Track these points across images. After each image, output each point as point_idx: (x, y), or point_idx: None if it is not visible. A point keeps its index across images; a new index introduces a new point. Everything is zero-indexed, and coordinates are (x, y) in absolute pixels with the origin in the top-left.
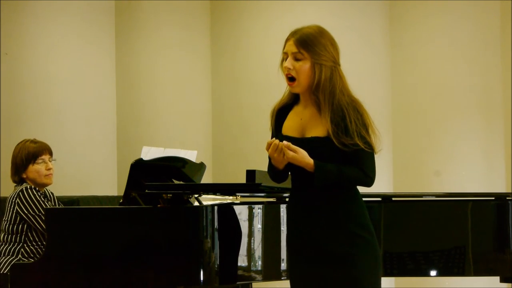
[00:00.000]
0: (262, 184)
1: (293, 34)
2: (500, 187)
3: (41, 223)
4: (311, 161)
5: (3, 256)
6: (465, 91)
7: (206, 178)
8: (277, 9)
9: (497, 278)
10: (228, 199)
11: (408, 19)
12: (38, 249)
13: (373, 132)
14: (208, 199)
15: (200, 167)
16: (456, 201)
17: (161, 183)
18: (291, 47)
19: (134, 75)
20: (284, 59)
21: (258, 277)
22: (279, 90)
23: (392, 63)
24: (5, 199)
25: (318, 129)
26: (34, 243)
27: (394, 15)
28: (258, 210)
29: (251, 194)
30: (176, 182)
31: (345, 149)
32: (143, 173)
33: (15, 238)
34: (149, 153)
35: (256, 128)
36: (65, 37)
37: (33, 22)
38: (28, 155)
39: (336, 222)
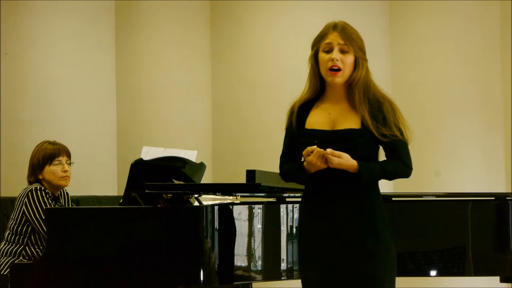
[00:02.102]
0: (262, 184)
1: (334, 27)
2: (500, 187)
3: (44, 227)
4: (355, 162)
5: (4, 257)
6: (465, 91)
7: (206, 178)
8: (277, 9)
9: (497, 278)
10: (228, 199)
11: (408, 19)
12: (40, 252)
13: (405, 124)
14: (208, 199)
15: (200, 167)
16: (456, 201)
17: (161, 183)
18: (338, 39)
19: (134, 75)
20: (323, 51)
21: (258, 277)
22: (279, 90)
23: (392, 63)
24: (5, 199)
25: (351, 122)
26: (36, 246)
27: (394, 15)
28: (258, 210)
29: (251, 194)
30: (176, 182)
31: (384, 140)
32: (143, 173)
33: (18, 239)
34: (149, 153)
35: (256, 128)
36: (65, 37)
37: (33, 22)
38: (45, 156)
39: (363, 219)
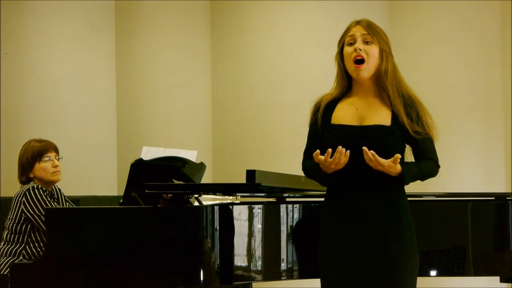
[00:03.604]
0: (262, 184)
1: (357, 22)
2: (500, 187)
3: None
4: (399, 167)
5: (4, 257)
6: (465, 91)
7: (206, 178)
8: (277, 9)
9: (497, 278)
10: (228, 199)
11: (408, 19)
12: (40, 251)
13: (432, 123)
14: (208, 199)
15: (200, 167)
16: (456, 201)
17: (161, 183)
18: (360, 30)
19: (134, 75)
20: (347, 45)
21: (258, 277)
22: (279, 90)
23: None
24: (5, 199)
25: (380, 117)
26: (36, 243)
27: (394, 15)
28: (258, 210)
29: (251, 194)
30: (176, 182)
31: (417, 137)
32: (143, 173)
33: (18, 238)
34: (149, 153)
35: (256, 128)
36: (65, 38)
37: (33, 23)
38: (34, 154)
39: (387, 220)
